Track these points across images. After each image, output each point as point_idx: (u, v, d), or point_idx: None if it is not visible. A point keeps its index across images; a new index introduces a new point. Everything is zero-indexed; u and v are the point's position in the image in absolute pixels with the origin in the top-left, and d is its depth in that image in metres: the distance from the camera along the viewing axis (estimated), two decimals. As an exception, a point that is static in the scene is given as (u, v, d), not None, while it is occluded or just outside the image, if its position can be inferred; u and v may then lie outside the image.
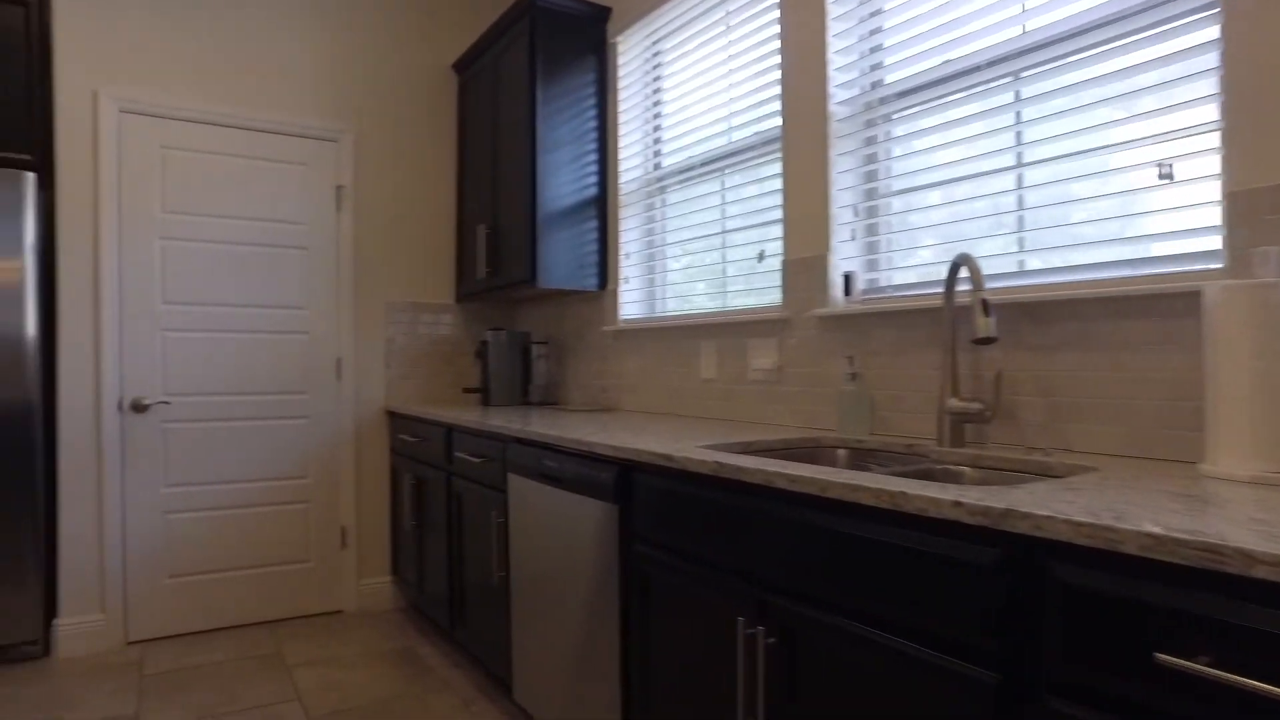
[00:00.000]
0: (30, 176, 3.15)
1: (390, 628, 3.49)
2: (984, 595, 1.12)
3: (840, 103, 2.28)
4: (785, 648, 1.45)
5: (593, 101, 3.36)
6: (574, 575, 2.19)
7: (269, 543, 3.56)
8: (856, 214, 2.27)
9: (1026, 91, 1.83)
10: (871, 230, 2.24)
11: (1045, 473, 1.59)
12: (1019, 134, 1.85)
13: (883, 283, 2.22)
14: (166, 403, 3.38)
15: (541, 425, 2.50)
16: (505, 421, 2.66)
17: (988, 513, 1.10)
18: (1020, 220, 1.86)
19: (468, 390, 3.76)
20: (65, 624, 3.20)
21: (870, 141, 2.22)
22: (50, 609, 3.22)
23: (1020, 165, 1.84)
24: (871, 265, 2.25)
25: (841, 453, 2.08)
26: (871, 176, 2.23)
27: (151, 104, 3.38)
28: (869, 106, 2.22)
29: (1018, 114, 1.85)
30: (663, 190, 3.09)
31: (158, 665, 3.07)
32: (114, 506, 3.28)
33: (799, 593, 1.43)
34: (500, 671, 2.65)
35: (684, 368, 2.90)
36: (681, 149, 2.96)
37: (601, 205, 3.38)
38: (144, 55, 3.38)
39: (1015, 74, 1.84)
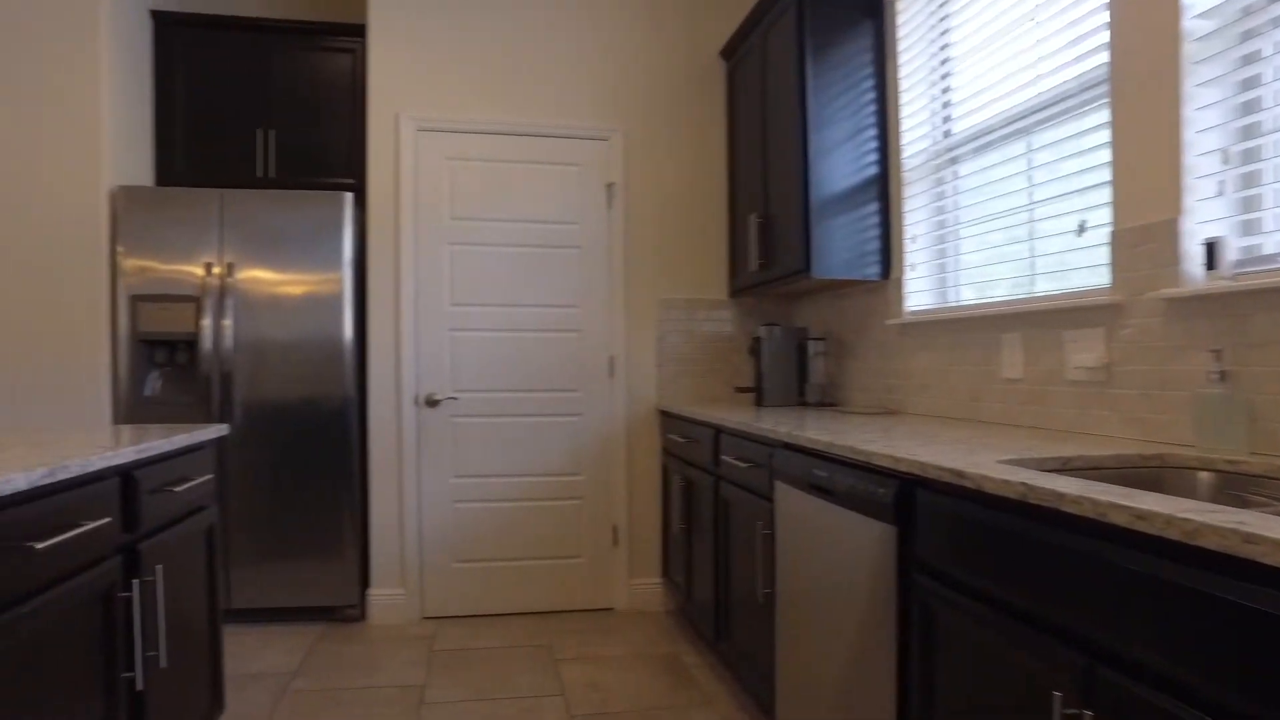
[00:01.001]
0: (348, 197, 3.46)
1: (657, 631, 3.38)
2: None
3: (1200, 15, 1.73)
4: (1129, 743, 1.04)
5: (869, 72, 2.99)
6: (845, 601, 1.87)
7: (544, 537, 3.62)
8: (1226, 160, 1.71)
9: None
10: (1249, 181, 1.68)
11: None
12: None
13: (1269, 250, 1.64)
14: (454, 398, 3.56)
15: (814, 429, 2.21)
16: (774, 424, 2.41)
17: None
18: None
19: (740, 390, 3.55)
20: (375, 594, 3.48)
21: (1250, 60, 1.66)
22: (364, 579, 3.51)
23: None
24: (1249, 228, 1.68)
25: (1204, 476, 1.56)
26: (1252, 107, 1.67)
27: (443, 120, 3.57)
28: (1247, 11, 1.66)
29: None
30: (953, 162, 2.65)
31: (445, 642, 3.22)
32: (411, 493, 3.51)
33: (1147, 671, 1.02)
34: (763, 694, 2.40)
35: (982, 365, 2.45)
36: (976, 110, 2.50)
37: (882, 185, 2.99)
38: (438, 78, 3.59)
39: None
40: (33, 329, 3.26)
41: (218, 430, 2.32)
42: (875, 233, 2.99)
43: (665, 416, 3.65)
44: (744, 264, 3.58)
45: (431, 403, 3.53)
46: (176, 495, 2.05)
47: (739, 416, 2.74)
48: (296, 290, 3.40)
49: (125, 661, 1.78)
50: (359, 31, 3.79)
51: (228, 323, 3.35)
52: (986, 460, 1.49)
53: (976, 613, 1.37)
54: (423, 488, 3.53)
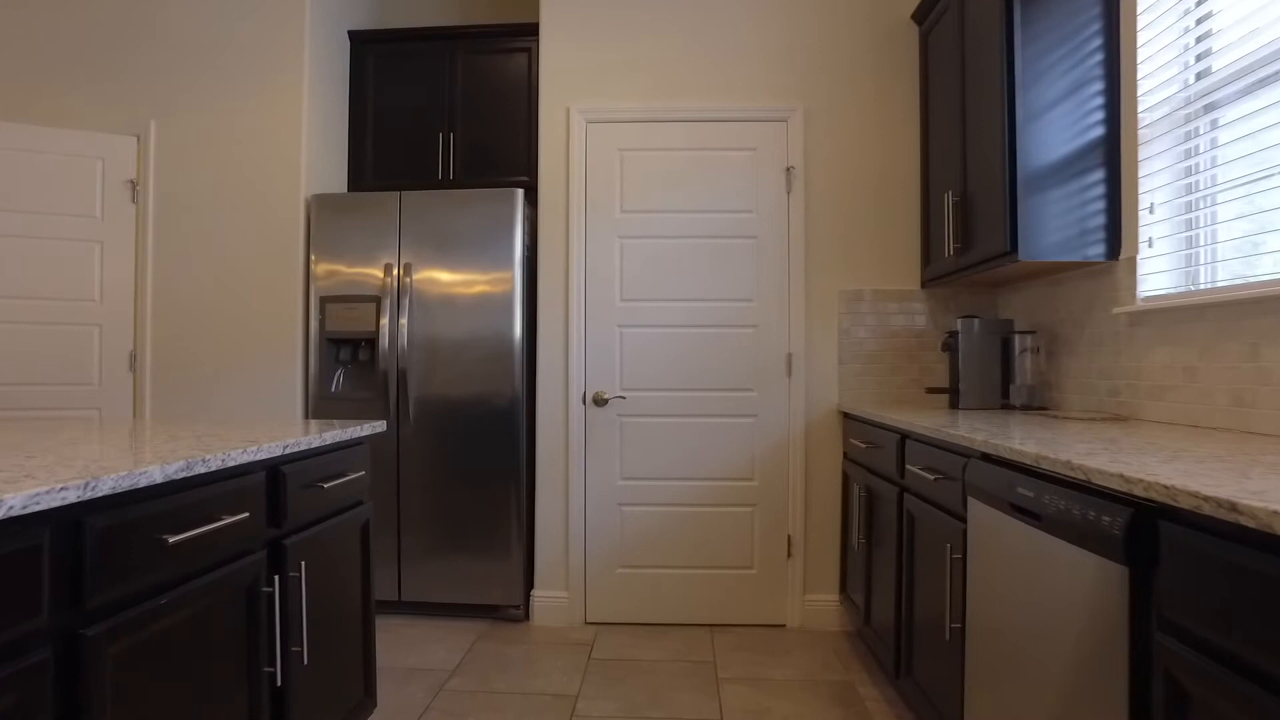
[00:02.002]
0: (519, 193, 3.39)
1: (831, 655, 3.02)
2: None
3: None
4: None
5: (1094, 14, 2.48)
6: (1052, 652, 1.47)
7: (713, 545, 3.37)
8: None
9: None
10: None
11: None
12: None
13: None
14: (622, 397, 3.39)
15: (1018, 437, 1.81)
16: (968, 430, 2.01)
17: None
18: None
19: (932, 391, 3.11)
20: (539, 595, 3.38)
21: None
22: (529, 580, 3.43)
23: None
24: None
25: None
26: None
27: (611, 110, 3.42)
28: None
29: None
30: (1209, 109, 2.11)
31: (604, 650, 3.05)
32: (577, 494, 3.38)
33: None
34: (956, 752, 2.01)
35: (1248, 362, 1.91)
36: (1248, 36, 1.96)
37: (1109, 149, 2.47)
38: (606, 68, 3.45)
39: None
40: (238, 329, 3.46)
41: (372, 427, 2.27)
42: (1099, 205, 2.48)
43: (847, 419, 3.28)
44: (939, 250, 3.14)
45: (599, 402, 3.39)
46: (326, 492, 2.01)
47: (927, 420, 2.35)
48: (469, 289, 3.38)
49: (268, 656, 1.73)
50: (533, 31, 3.73)
51: (404, 321, 3.38)
52: (1277, 487, 1.07)
53: (1259, 704, 0.96)
54: (589, 489, 3.39)
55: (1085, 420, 2.29)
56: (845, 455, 3.31)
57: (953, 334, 3.00)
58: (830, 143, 3.40)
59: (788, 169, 3.39)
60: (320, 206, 3.46)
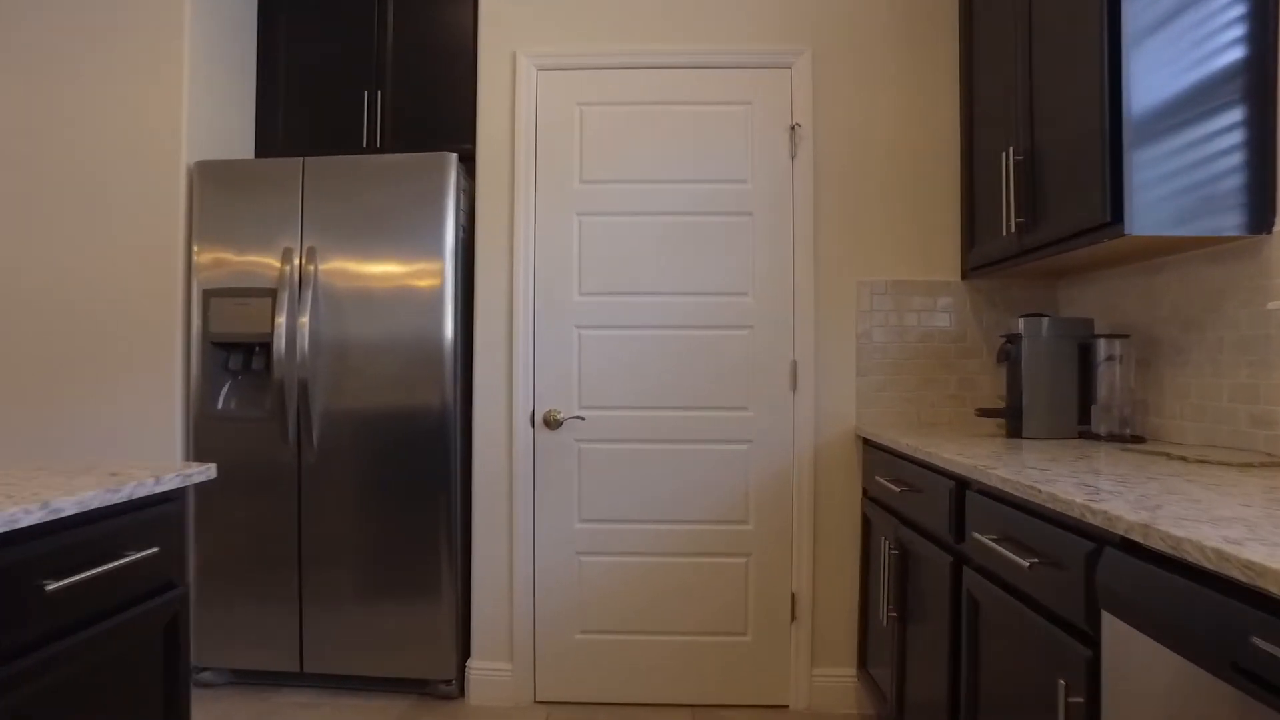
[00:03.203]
0: (452, 158, 2.62)
1: (857, 761, 2.26)
2: None
3: None
4: None
5: (1232, -111, 1.72)
6: None
7: (696, 604, 2.60)
8: None
9: None
10: None
11: None
12: None
13: None
14: (581, 418, 2.62)
15: (1172, 508, 1.05)
16: (1085, 493, 1.25)
17: None
18: None
19: (985, 413, 2.34)
20: (477, 667, 2.61)
21: None
22: (464, 647, 2.66)
23: None
24: None
25: None
26: None
27: (570, 55, 2.65)
28: None
29: None
30: None
31: (559, 754, 2.29)
32: (524, 539, 2.61)
33: None
34: None
35: None
36: None
37: (1255, 78, 1.71)
38: (564, 1, 2.68)
39: None
40: (98, 330, 2.69)
41: (181, 477, 1.49)
42: (1235, 159, 1.72)
43: (869, 447, 2.52)
44: (988, 228, 2.38)
45: (552, 423, 2.62)
46: (88, 584, 1.24)
47: (997, 461, 1.58)
48: (389, 281, 2.61)
49: None
50: (477, -38, 2.96)
51: (305, 320, 2.61)
52: None
53: None
54: (538, 534, 2.62)
55: (1239, 467, 1.53)
56: (866, 493, 2.55)
57: (1011, 338, 2.24)
58: (845, 94, 2.64)
59: (792, 127, 2.62)
60: (205, 178, 2.69)
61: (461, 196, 2.67)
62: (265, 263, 2.65)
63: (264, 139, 3.05)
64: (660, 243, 2.63)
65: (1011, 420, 2.22)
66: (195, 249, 2.67)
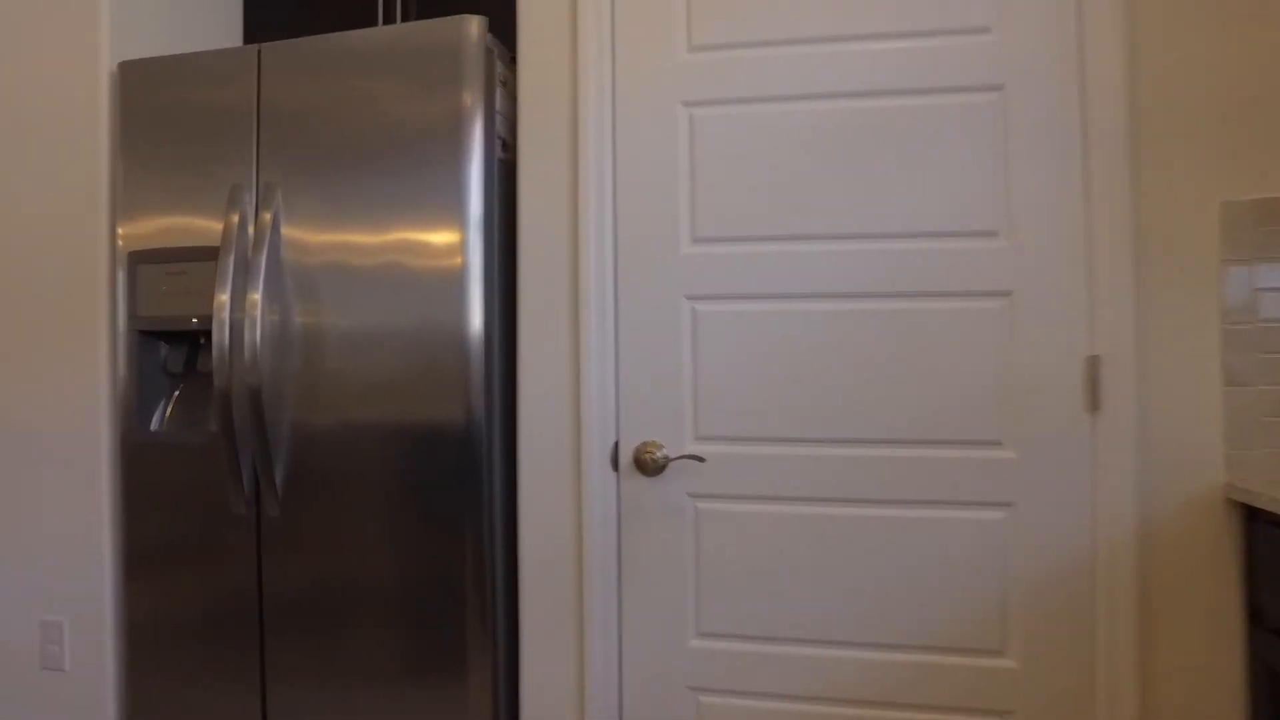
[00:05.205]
0: (473, 25, 1.53)
1: None
2: None
3: None
4: None
5: None
6: None
7: (913, 810, 1.42)
8: None
9: None
10: None
11: None
12: None
13: None
14: (698, 458, 1.47)
15: None
16: None
17: None
18: None
19: None
20: None
21: None
22: (516, 821, 1.61)
23: None
24: None
25: None
26: None
27: None
28: None
29: None
30: None
31: None
32: (601, 659, 1.51)
33: None
34: None
35: None
36: None
37: None
38: None
39: None
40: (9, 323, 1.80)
41: None
42: None
43: (1260, 522, 1.25)
44: None
45: (648, 465, 1.49)
46: None
47: None
48: (379, 240, 1.56)
49: None
50: None
51: (257, 297, 1.60)
52: None
53: None
54: (627, 653, 1.51)
55: None
56: (1254, 616, 1.29)
57: None
58: None
59: (1086, -81, 1.36)
60: (131, 86, 1.72)
61: (497, 92, 1.58)
62: (208, 211, 1.67)
63: (253, 24, 2.11)
64: (832, 148, 1.45)
65: None
66: (121, 193, 1.72)
